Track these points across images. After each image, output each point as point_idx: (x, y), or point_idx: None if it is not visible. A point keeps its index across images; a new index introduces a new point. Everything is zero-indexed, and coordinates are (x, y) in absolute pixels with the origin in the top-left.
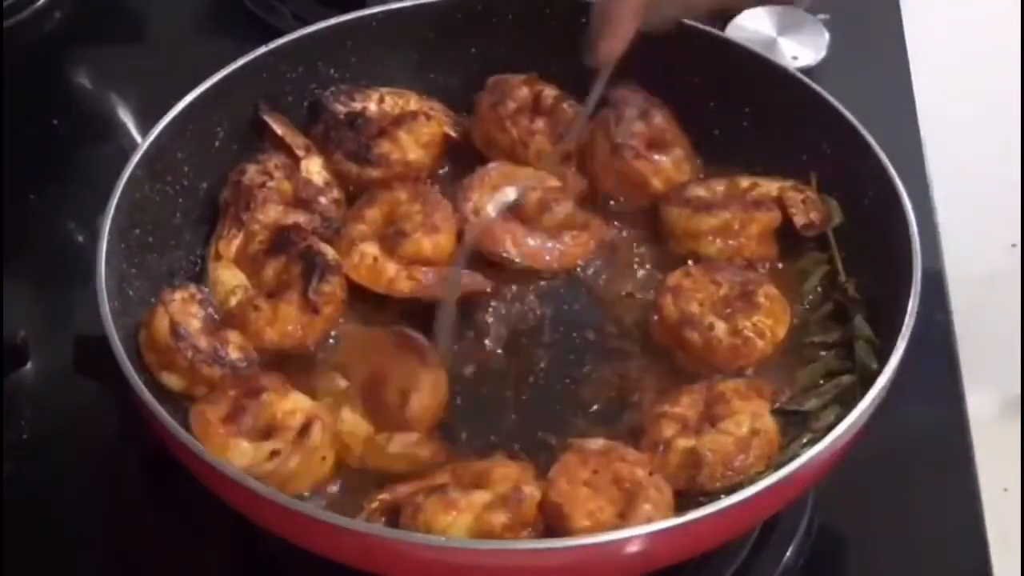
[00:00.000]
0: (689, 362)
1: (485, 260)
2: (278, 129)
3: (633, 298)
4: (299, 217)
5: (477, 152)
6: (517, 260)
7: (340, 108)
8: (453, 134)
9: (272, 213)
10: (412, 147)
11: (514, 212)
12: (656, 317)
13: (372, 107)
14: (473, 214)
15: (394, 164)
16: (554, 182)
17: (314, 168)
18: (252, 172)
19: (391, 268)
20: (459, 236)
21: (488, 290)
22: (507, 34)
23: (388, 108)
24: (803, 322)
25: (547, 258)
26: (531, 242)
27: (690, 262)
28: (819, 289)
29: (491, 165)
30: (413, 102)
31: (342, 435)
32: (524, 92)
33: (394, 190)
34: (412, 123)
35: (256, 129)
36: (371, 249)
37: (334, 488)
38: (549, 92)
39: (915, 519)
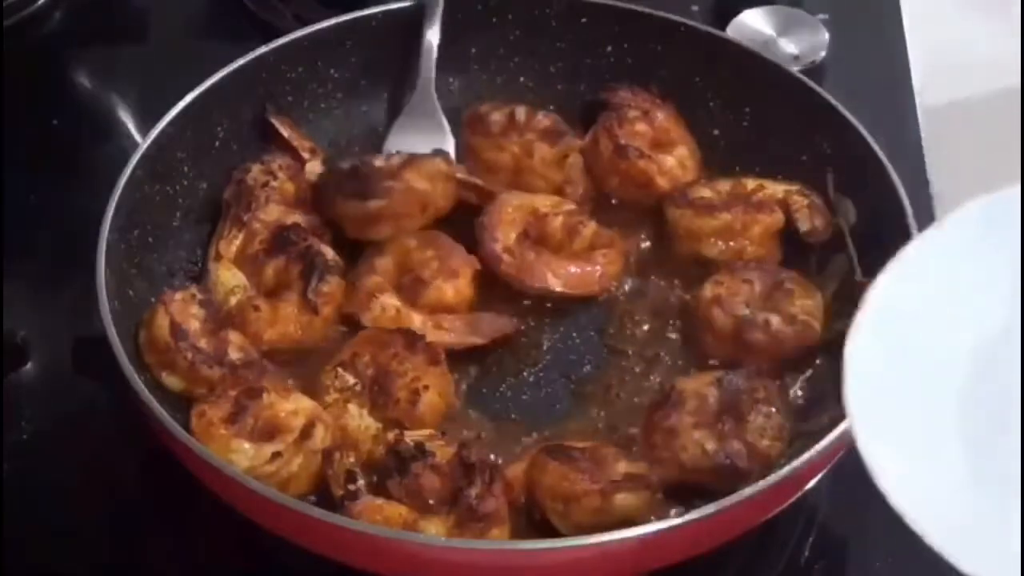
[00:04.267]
0: (756, 361)
1: (503, 295)
2: (284, 131)
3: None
4: (299, 218)
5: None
6: (559, 290)
7: (343, 165)
8: (461, 176)
9: (273, 213)
10: (418, 180)
11: (541, 242)
12: (710, 334)
13: (379, 162)
14: (506, 253)
15: (396, 195)
16: (570, 204)
17: (319, 170)
18: (256, 171)
19: (417, 319)
20: (478, 277)
21: (513, 331)
22: (507, 34)
23: (395, 162)
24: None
25: (589, 282)
26: (572, 269)
27: (716, 276)
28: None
29: (503, 197)
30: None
31: (349, 431)
32: (497, 115)
33: (401, 238)
34: (418, 163)
35: (261, 130)
36: (392, 301)
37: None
38: (519, 110)
39: None
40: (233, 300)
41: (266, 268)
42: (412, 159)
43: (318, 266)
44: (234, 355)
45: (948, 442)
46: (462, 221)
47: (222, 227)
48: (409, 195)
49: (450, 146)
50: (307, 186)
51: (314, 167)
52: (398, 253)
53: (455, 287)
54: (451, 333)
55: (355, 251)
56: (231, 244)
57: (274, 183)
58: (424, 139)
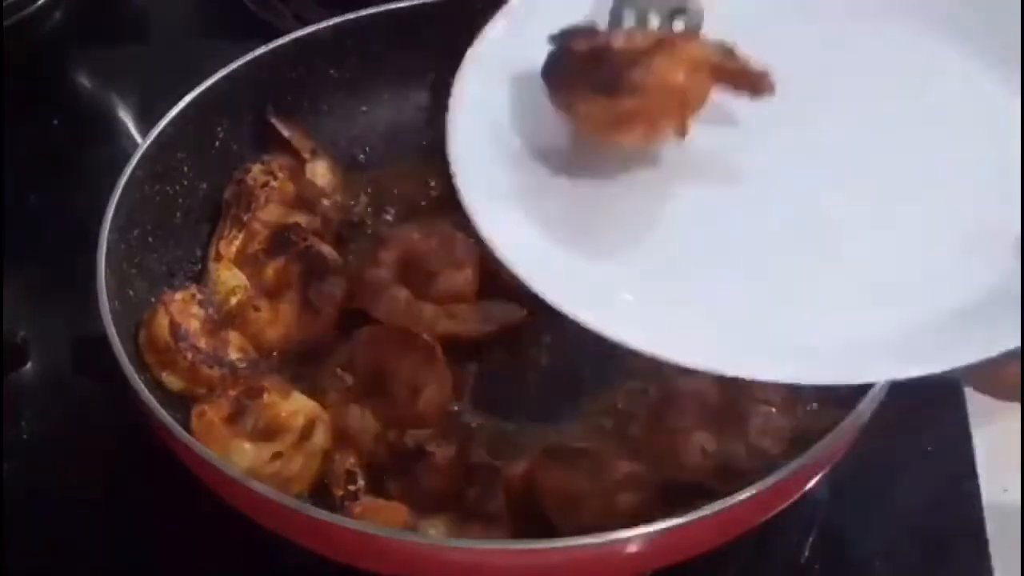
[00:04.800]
0: None
1: (502, 290)
2: (285, 132)
3: None
4: (300, 218)
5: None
6: None
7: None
8: (723, 62)
9: (273, 213)
10: (675, 70)
11: None
12: None
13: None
14: None
15: (652, 91)
16: None
17: (319, 171)
18: (256, 171)
19: (428, 309)
20: (482, 265)
21: (522, 319)
22: None
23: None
24: None
25: None
26: None
27: None
28: None
29: None
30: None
31: (349, 431)
32: None
33: (403, 230)
34: (674, 45)
35: (261, 130)
36: (402, 292)
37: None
38: None
39: (915, 519)
40: (233, 300)
41: (266, 268)
42: (664, 40)
43: (318, 267)
44: (234, 355)
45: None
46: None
47: (222, 227)
48: (667, 92)
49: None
50: (307, 186)
51: (315, 168)
52: (400, 244)
53: (464, 276)
54: (463, 322)
55: (355, 251)
56: (231, 244)
57: (274, 183)
58: None
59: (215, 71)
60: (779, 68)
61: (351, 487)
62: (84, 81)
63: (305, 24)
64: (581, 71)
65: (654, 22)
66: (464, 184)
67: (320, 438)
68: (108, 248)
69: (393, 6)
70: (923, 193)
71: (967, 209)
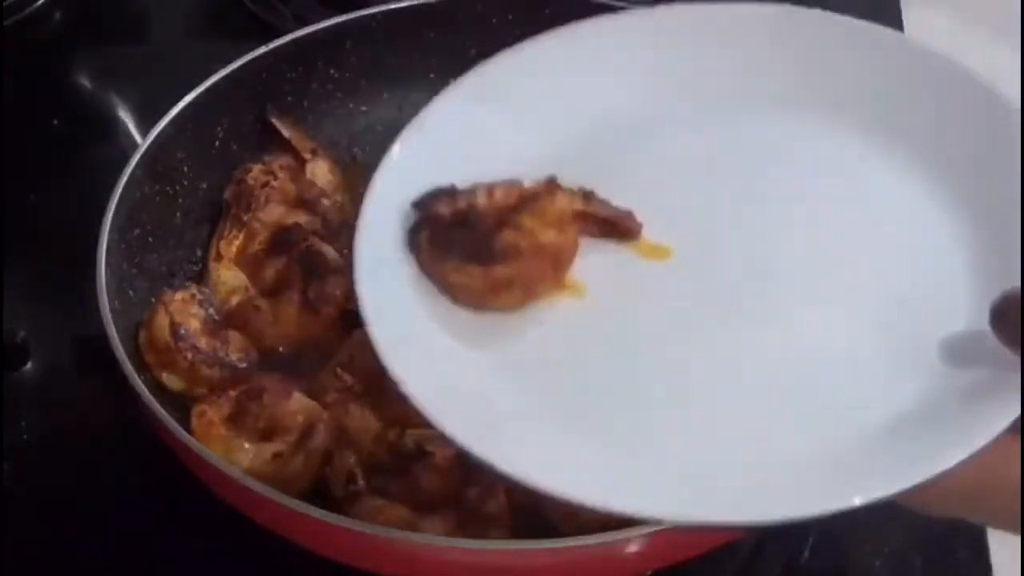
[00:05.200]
0: None
1: None
2: (285, 132)
3: None
4: (300, 217)
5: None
6: None
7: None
8: (585, 208)
9: (274, 213)
10: (543, 229)
11: None
12: None
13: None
14: None
15: (525, 253)
16: None
17: (320, 171)
18: (256, 172)
19: None
20: None
21: None
22: (507, 34)
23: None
24: None
25: None
26: None
27: None
28: None
29: None
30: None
31: (350, 431)
32: None
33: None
34: (534, 204)
35: (262, 130)
36: None
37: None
38: None
39: (915, 519)
40: (234, 300)
41: (266, 268)
42: (526, 195)
43: (319, 266)
44: (234, 355)
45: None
46: None
47: (222, 227)
48: (540, 253)
49: None
50: (308, 186)
51: (315, 168)
52: None
53: None
54: None
55: (346, 248)
56: (231, 244)
57: (274, 183)
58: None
59: (215, 71)
60: (673, 173)
61: (351, 487)
62: (84, 81)
63: (305, 24)
64: (448, 239)
65: None
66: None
67: (321, 438)
68: (108, 248)
69: (393, 6)
70: (835, 301)
71: (884, 314)
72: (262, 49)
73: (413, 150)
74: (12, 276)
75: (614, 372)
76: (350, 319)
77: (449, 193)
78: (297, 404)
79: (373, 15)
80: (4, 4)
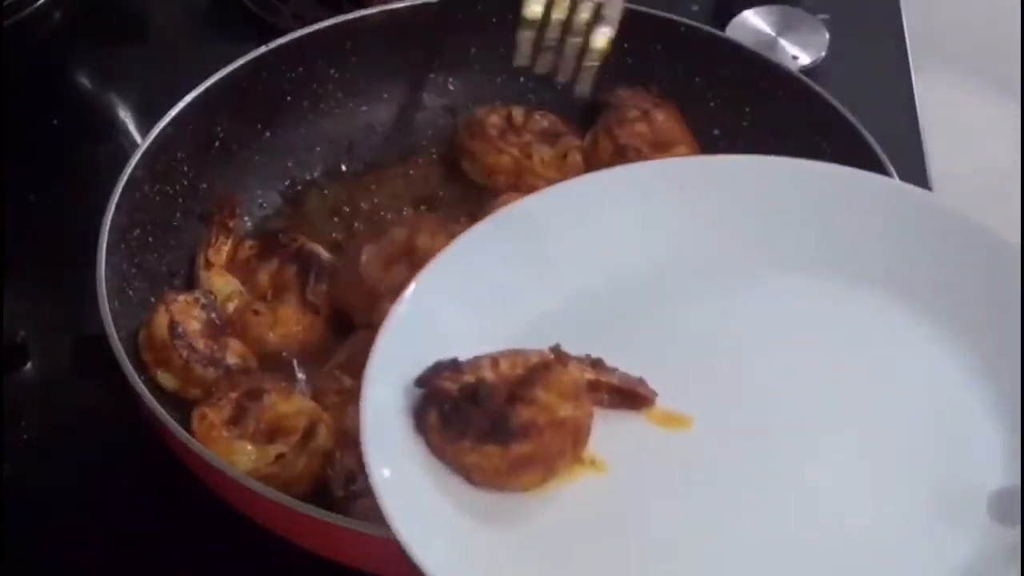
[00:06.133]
0: None
1: None
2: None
3: None
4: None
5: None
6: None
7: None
8: (596, 377)
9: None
10: (560, 403)
11: None
12: None
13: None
14: None
15: (544, 430)
16: None
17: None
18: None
19: None
20: None
21: None
22: (507, 34)
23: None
24: None
25: None
26: None
27: None
28: None
29: (503, 197)
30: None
31: (350, 432)
32: (495, 118)
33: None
34: (546, 376)
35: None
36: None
37: None
38: (516, 111)
39: None
40: (231, 306)
41: (259, 273)
42: (536, 367)
43: (313, 266)
44: (231, 359)
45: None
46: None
47: (208, 235)
48: (558, 428)
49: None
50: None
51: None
52: (400, 239)
53: None
54: None
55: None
56: (220, 251)
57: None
58: None
59: (215, 71)
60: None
61: (351, 487)
62: (84, 81)
63: (305, 24)
64: (459, 417)
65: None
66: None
67: (322, 439)
68: (108, 248)
69: (393, 6)
70: (879, 461)
71: (930, 473)
72: (262, 49)
73: (416, 305)
74: (12, 276)
75: (636, 555)
76: (350, 319)
77: (453, 367)
78: (298, 405)
79: (373, 15)
80: (4, 4)
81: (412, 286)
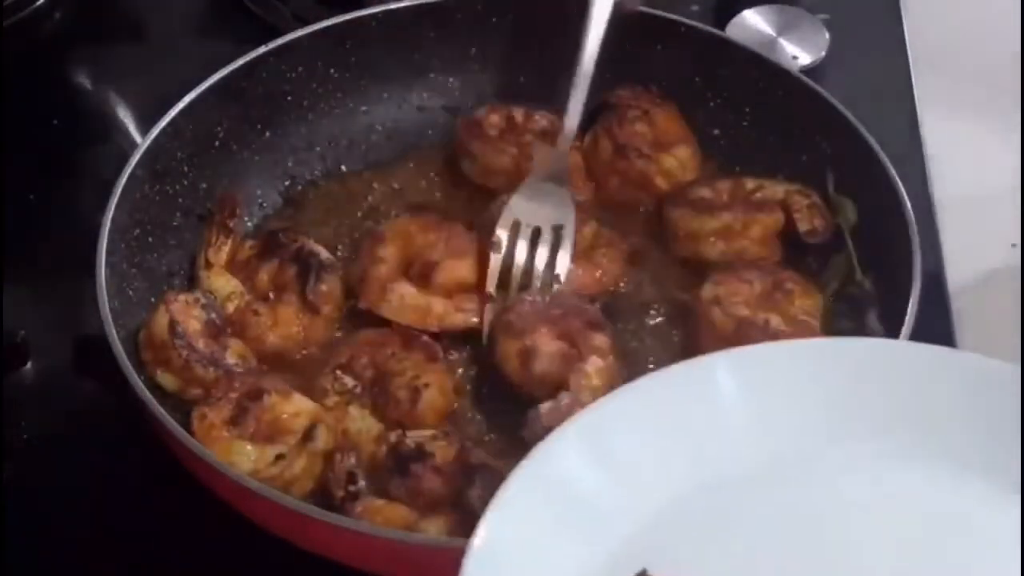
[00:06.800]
0: None
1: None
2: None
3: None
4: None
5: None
6: (565, 291)
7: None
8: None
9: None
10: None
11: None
12: (710, 335)
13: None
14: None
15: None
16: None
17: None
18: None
19: (438, 304)
20: (482, 258)
21: None
22: (507, 34)
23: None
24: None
25: (590, 282)
26: (578, 271)
27: (716, 276)
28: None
29: (503, 197)
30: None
31: (351, 433)
32: (495, 118)
33: (399, 223)
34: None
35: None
36: (408, 288)
37: None
38: (516, 111)
39: None
40: (231, 307)
41: (260, 273)
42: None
43: (313, 266)
44: (231, 360)
45: None
46: (459, 211)
47: (208, 235)
48: None
49: (569, 221)
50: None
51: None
52: (400, 237)
53: (466, 265)
54: (472, 315)
55: (347, 248)
56: (220, 251)
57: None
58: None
59: (215, 71)
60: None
61: (351, 488)
62: (84, 81)
63: (305, 24)
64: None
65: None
66: None
67: (322, 439)
68: (108, 248)
69: (393, 6)
70: None
71: None
72: (262, 49)
73: (492, 539)
74: (12, 276)
75: None
76: (350, 319)
77: None
78: (299, 406)
79: (373, 15)
80: (4, 4)
81: (488, 516)
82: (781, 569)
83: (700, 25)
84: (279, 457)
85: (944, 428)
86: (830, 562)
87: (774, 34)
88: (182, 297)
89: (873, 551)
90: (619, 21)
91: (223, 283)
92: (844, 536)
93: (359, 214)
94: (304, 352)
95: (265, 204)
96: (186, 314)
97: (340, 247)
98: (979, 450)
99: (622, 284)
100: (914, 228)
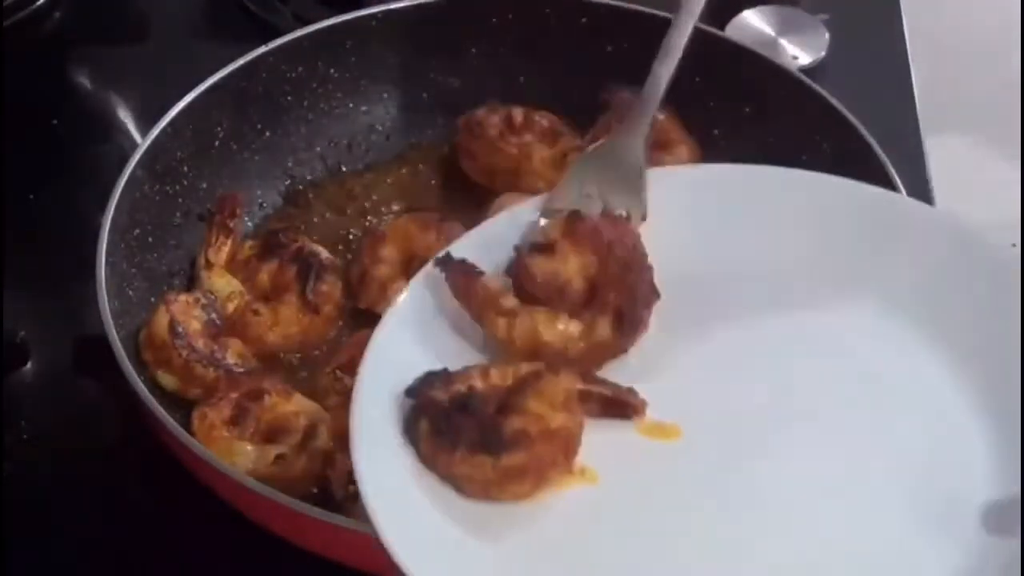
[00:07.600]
0: None
1: None
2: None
3: None
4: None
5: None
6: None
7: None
8: (587, 387)
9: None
10: (552, 413)
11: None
12: None
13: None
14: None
15: (536, 440)
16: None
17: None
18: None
19: None
20: None
21: None
22: (507, 34)
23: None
24: None
25: None
26: None
27: None
28: None
29: (502, 197)
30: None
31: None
32: (495, 118)
33: (400, 222)
34: (537, 385)
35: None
36: None
37: None
38: (516, 111)
39: None
40: (231, 307)
41: (260, 273)
42: (527, 378)
43: (313, 266)
44: (231, 360)
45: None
46: (459, 211)
47: (208, 235)
48: (550, 437)
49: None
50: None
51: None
52: (400, 238)
53: None
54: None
55: (347, 248)
56: (220, 251)
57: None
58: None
59: (215, 71)
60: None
61: (351, 487)
62: (84, 81)
63: (305, 24)
64: (450, 427)
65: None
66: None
67: (322, 440)
68: (108, 248)
69: (393, 6)
70: (869, 474)
71: (922, 485)
72: (262, 49)
73: (407, 313)
74: (12, 276)
75: (625, 565)
76: (350, 319)
77: (443, 378)
78: (299, 406)
79: (373, 15)
80: (4, 4)
81: (403, 294)
82: (672, 372)
83: (700, 25)
84: (279, 457)
85: (843, 255)
86: (718, 371)
87: (774, 34)
88: (182, 297)
89: (758, 364)
90: (619, 21)
91: (223, 283)
92: (733, 352)
93: (359, 214)
94: (304, 352)
95: (265, 204)
96: (186, 314)
97: (340, 247)
98: (880, 277)
99: None
100: None
